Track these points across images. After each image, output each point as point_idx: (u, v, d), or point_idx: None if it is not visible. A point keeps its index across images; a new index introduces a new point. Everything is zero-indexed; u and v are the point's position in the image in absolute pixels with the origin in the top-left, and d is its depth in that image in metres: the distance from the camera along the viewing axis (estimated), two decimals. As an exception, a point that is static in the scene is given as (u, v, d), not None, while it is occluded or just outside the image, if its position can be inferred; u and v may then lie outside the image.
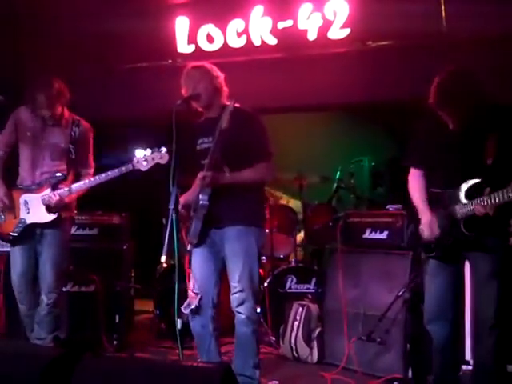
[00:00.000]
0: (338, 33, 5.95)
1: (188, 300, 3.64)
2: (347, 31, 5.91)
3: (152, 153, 3.87)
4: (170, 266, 5.08)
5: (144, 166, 3.89)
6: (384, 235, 4.43)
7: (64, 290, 4.60)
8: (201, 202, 3.54)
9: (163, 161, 3.84)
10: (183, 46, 6.44)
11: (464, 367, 3.74)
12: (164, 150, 3.84)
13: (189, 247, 3.65)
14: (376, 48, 5.85)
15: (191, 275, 3.66)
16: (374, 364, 4.17)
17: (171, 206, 3.34)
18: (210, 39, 6.34)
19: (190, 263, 3.71)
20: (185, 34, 6.42)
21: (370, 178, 6.48)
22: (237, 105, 3.71)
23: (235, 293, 3.60)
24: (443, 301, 3.40)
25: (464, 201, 3.18)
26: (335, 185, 6.00)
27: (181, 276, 3.37)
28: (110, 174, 4.00)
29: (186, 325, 3.65)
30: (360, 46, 5.90)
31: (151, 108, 6.14)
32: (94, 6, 6.33)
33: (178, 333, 3.34)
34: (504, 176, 3.08)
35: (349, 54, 5.93)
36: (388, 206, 4.66)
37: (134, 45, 6.27)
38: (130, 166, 3.93)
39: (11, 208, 4.16)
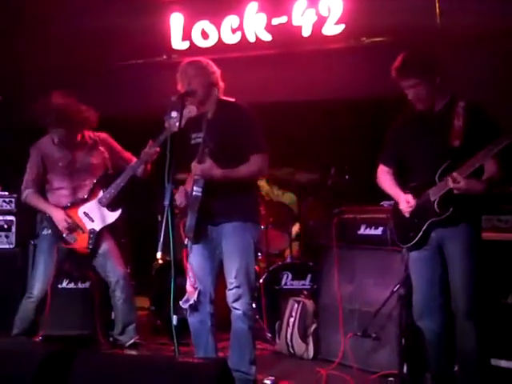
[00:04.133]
0: (332, 29, 5.96)
1: (186, 295, 3.64)
2: (341, 27, 5.92)
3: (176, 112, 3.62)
4: (165, 262, 5.08)
5: (176, 126, 3.60)
6: (379, 231, 4.43)
7: (60, 286, 4.63)
8: (194, 193, 3.53)
9: (191, 113, 3.71)
10: (178, 43, 6.43)
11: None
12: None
13: (186, 241, 3.65)
14: (370, 44, 5.86)
15: (189, 270, 3.65)
16: (370, 360, 4.18)
17: (166, 202, 3.33)
18: (204, 35, 6.34)
19: (187, 257, 3.71)
20: (179, 30, 6.41)
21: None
22: (224, 98, 3.71)
23: (231, 289, 3.60)
24: (428, 294, 3.43)
25: (437, 181, 3.26)
26: (330, 181, 5.99)
27: (177, 272, 3.37)
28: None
29: (181, 321, 3.65)
30: (354, 42, 5.91)
31: (146, 104, 6.13)
32: (89, 3, 6.32)
33: (173, 329, 3.33)
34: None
35: (343, 50, 5.94)
36: (383, 203, 4.66)
37: (129, 41, 6.26)
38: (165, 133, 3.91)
39: (76, 225, 4.26)
